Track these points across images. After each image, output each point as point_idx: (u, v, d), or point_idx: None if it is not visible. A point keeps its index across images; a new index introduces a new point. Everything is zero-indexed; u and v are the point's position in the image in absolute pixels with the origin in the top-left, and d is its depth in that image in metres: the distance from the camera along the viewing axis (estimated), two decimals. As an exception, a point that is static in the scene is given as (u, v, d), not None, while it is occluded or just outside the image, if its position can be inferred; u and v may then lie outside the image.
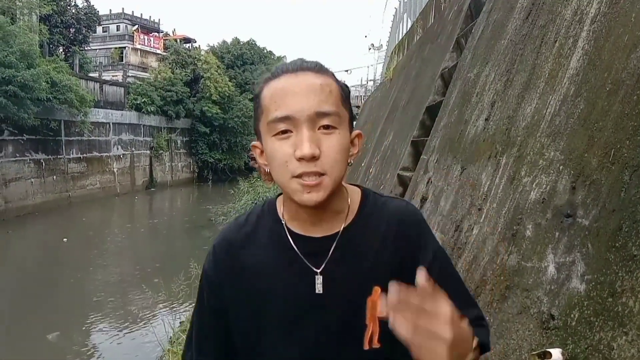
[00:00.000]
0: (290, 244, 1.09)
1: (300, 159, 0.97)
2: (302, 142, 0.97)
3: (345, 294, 1.06)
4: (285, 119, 0.99)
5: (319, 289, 1.06)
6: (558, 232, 1.77)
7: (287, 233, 1.10)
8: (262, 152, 1.07)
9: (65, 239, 15.32)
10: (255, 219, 1.16)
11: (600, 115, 1.75)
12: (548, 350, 1.52)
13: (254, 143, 1.11)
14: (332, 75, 1.07)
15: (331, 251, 1.08)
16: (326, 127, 1.00)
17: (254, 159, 1.12)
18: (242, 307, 1.12)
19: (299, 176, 0.99)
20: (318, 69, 1.05)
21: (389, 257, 1.08)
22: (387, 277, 0.95)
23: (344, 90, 1.07)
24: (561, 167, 1.90)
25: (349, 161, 1.05)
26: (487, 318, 2.06)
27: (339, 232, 1.09)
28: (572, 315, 1.53)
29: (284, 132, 0.99)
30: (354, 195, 1.14)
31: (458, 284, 1.17)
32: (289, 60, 1.19)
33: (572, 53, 2.16)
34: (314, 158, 0.97)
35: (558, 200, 1.84)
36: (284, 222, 1.12)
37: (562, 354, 1.49)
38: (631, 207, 1.42)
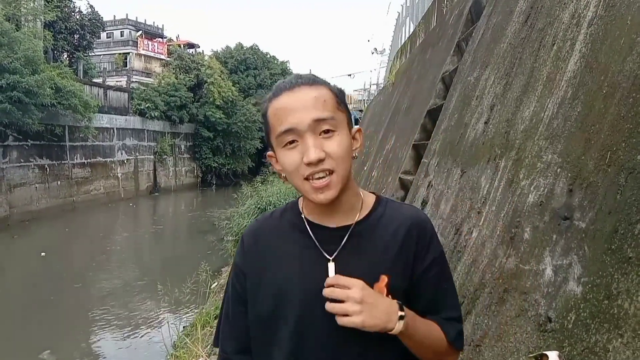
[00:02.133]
0: (308, 231, 1.23)
1: (309, 164, 1.12)
2: (308, 148, 1.11)
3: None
4: (290, 131, 1.13)
5: (331, 275, 1.16)
6: (555, 235, 1.77)
7: (306, 222, 1.24)
8: (277, 160, 1.21)
9: (43, 254, 14.55)
10: (279, 214, 1.32)
11: (597, 118, 1.76)
12: (545, 353, 1.52)
13: (269, 153, 1.25)
14: (325, 84, 1.20)
15: (344, 240, 1.20)
16: (326, 131, 1.14)
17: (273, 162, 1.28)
18: (264, 292, 1.24)
19: (309, 178, 1.14)
20: (312, 82, 1.18)
21: (397, 252, 1.20)
22: (392, 269, 1.16)
23: (338, 95, 1.20)
24: (559, 170, 1.90)
25: (353, 155, 1.20)
26: (487, 321, 2.07)
27: (352, 224, 1.22)
28: (568, 318, 1.53)
29: (291, 142, 1.14)
30: (368, 198, 1.28)
31: (449, 288, 1.28)
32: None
33: (569, 56, 2.16)
34: (320, 161, 1.12)
35: (555, 203, 1.85)
36: (303, 215, 1.26)
37: (559, 357, 1.49)
38: (627, 209, 1.42)
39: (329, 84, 1.21)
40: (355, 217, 1.23)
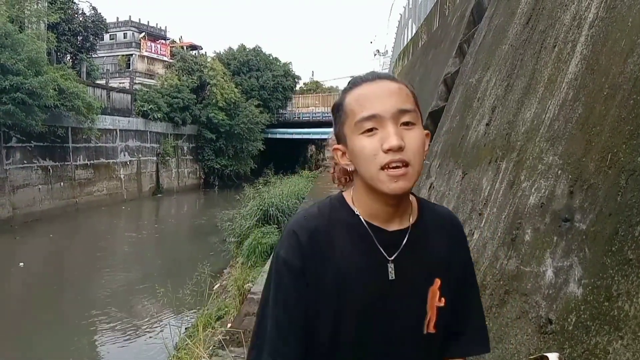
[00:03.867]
0: (370, 234, 1.20)
1: (388, 151, 1.09)
2: (389, 135, 1.10)
3: (412, 282, 1.19)
4: (372, 117, 1.12)
5: (391, 275, 1.17)
6: (556, 237, 1.77)
7: (366, 225, 1.21)
8: (343, 153, 1.19)
9: (21, 264, 13.98)
10: (328, 212, 1.25)
11: (598, 120, 1.76)
12: (545, 354, 1.51)
13: (335, 146, 1.22)
14: (405, 83, 1.20)
15: (403, 243, 1.20)
16: (407, 123, 1.13)
17: (335, 163, 1.26)
18: (324, 291, 1.18)
19: (386, 167, 1.11)
20: (392, 77, 1.20)
21: (445, 253, 1.23)
22: (444, 271, 1.20)
23: (415, 96, 1.20)
24: (559, 172, 1.90)
25: (424, 159, 1.18)
26: (487, 323, 2.06)
27: (408, 227, 1.22)
28: (569, 320, 1.52)
29: (370, 130, 1.12)
30: (413, 200, 1.28)
31: (477, 290, 1.32)
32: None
33: (570, 58, 2.16)
34: (400, 149, 1.10)
35: (556, 205, 1.84)
36: (360, 216, 1.22)
37: (560, 358, 1.49)
38: (627, 211, 1.42)
39: (407, 84, 1.21)
40: (408, 221, 1.23)
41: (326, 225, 1.23)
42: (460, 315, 1.25)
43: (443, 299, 1.18)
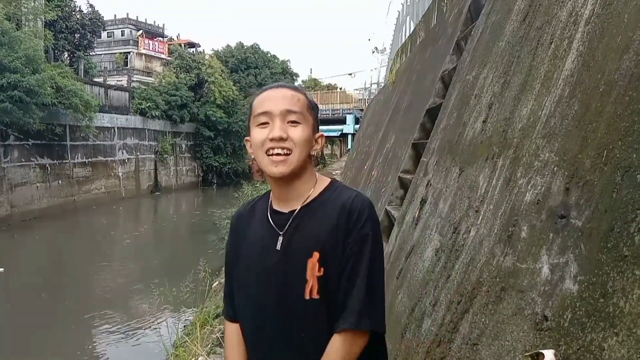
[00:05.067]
0: (268, 215, 1.56)
1: (272, 140, 1.42)
2: (274, 128, 1.43)
3: (295, 254, 1.46)
4: (265, 113, 1.45)
5: (278, 246, 1.49)
6: (552, 234, 1.77)
7: (269, 208, 1.57)
8: (251, 144, 1.51)
9: (1, 269, 13.07)
10: (258, 199, 1.68)
11: (594, 116, 1.75)
12: (541, 351, 1.52)
13: (247, 138, 1.54)
14: (303, 92, 1.53)
15: (290, 220, 1.50)
16: (293, 122, 1.45)
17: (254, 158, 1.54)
18: (237, 256, 1.62)
19: (270, 152, 1.43)
20: (293, 87, 1.53)
21: (330, 230, 1.44)
22: (325, 245, 1.43)
23: (311, 103, 1.52)
24: (555, 169, 1.90)
25: (312, 152, 1.51)
26: (483, 320, 2.06)
27: (298, 207, 1.51)
28: (564, 316, 1.52)
29: (264, 123, 1.46)
30: (321, 184, 1.56)
31: (358, 273, 1.44)
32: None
33: (566, 54, 2.16)
34: (282, 139, 1.42)
35: (552, 202, 1.84)
36: (270, 201, 1.59)
37: (555, 355, 1.49)
38: (622, 207, 1.42)
39: (306, 93, 1.53)
40: (301, 203, 1.51)
41: (251, 212, 1.64)
42: (342, 292, 1.43)
43: (322, 269, 1.41)
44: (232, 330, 1.64)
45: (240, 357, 1.60)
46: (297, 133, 1.43)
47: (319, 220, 1.47)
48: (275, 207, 1.54)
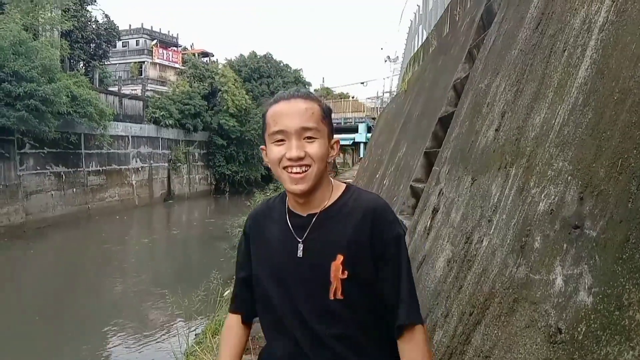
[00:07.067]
0: (286, 218, 1.56)
1: (289, 159, 1.43)
2: (291, 148, 1.43)
3: (317, 258, 1.47)
4: (280, 132, 1.45)
5: (299, 254, 1.50)
6: (566, 244, 1.73)
7: (287, 211, 1.58)
8: (267, 153, 1.53)
9: None
10: (274, 201, 1.67)
11: (608, 125, 1.72)
12: (555, 365, 1.48)
13: (262, 147, 1.57)
14: (317, 100, 1.51)
15: (310, 226, 1.51)
16: (309, 137, 1.45)
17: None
18: (257, 257, 1.61)
19: (289, 170, 1.44)
20: (306, 96, 1.49)
21: (351, 235, 1.46)
22: (348, 249, 1.44)
23: (325, 111, 1.51)
24: (569, 178, 1.87)
25: (328, 160, 1.50)
26: (496, 332, 2.03)
27: (318, 212, 1.52)
28: (579, 329, 1.49)
29: (280, 140, 1.46)
30: (338, 189, 1.57)
31: (401, 273, 1.49)
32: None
33: (580, 62, 2.13)
34: (299, 159, 1.43)
35: (566, 212, 1.81)
36: (287, 204, 1.59)
37: (569, 369, 1.45)
38: (638, 217, 1.38)
39: (320, 100, 1.51)
40: (322, 207, 1.52)
41: (267, 211, 1.65)
42: (384, 292, 1.47)
43: (346, 272, 1.42)
44: (231, 323, 1.71)
45: (231, 349, 1.67)
46: (314, 149, 1.44)
47: (340, 224, 1.48)
48: (294, 210, 1.55)
